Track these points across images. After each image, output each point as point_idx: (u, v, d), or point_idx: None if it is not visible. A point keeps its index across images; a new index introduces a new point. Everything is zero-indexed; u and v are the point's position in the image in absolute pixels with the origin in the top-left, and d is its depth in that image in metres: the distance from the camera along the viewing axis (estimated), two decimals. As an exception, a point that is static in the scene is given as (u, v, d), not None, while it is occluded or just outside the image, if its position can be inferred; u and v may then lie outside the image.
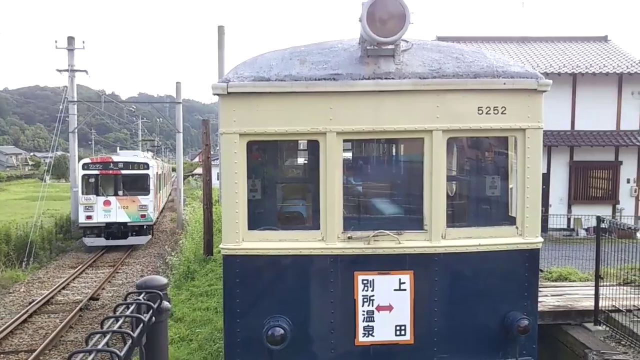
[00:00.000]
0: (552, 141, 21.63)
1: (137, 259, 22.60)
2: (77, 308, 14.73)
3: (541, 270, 10.72)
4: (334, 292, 4.89)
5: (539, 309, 6.27)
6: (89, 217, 23.43)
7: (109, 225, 23.59)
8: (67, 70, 29.37)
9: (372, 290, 4.85)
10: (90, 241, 23.70)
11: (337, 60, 4.98)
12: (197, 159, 76.58)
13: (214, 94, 4.90)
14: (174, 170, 45.45)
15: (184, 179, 38.15)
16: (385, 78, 4.81)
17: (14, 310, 15.05)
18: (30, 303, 15.36)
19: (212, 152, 20.93)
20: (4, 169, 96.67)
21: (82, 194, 23.65)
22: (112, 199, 23.70)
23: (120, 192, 23.97)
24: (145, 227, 24.62)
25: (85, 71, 30.18)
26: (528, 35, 26.58)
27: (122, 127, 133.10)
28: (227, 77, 4.93)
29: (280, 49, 5.41)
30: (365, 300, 4.86)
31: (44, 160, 71.41)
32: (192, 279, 15.91)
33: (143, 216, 24.11)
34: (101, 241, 23.62)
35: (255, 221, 5.08)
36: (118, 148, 40.70)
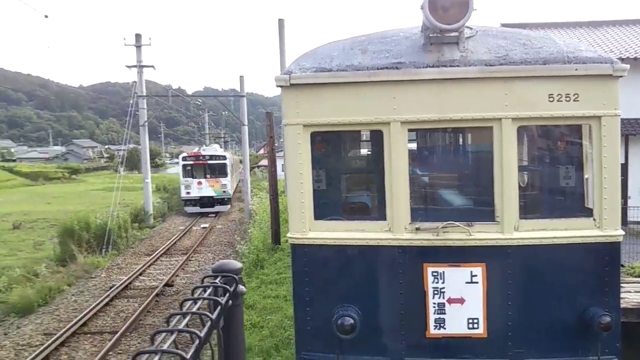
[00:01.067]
0: (630, 130, 20.40)
1: (209, 247, 23.42)
2: (154, 294, 15.45)
3: (622, 266, 10.22)
4: (403, 283, 4.86)
5: (622, 305, 5.99)
6: (188, 193, 34.82)
7: (201, 198, 34.85)
8: (135, 66, 30.63)
9: (443, 283, 4.79)
10: (190, 209, 34.77)
11: (399, 49, 4.92)
12: (262, 151, 77.77)
13: (277, 86, 4.94)
14: (240, 162, 47.31)
15: (250, 170, 39.32)
16: (450, 66, 4.71)
17: (96, 294, 16.02)
18: (110, 288, 16.28)
19: (276, 144, 21.28)
20: (82, 161, 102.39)
21: (182, 177, 34.98)
22: (203, 180, 34.87)
23: (208, 175, 35.15)
24: (225, 199, 35.86)
25: (152, 67, 31.31)
26: (599, 19, 25.04)
27: (189, 121, 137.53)
28: (289, 69, 4.96)
29: (341, 39, 5.39)
30: (435, 292, 4.80)
31: (118, 153, 74.82)
32: (261, 267, 16.31)
33: (224, 192, 35.46)
34: (197, 209, 34.64)
35: (321, 211, 5.11)
36: (204, 145, 50.52)
